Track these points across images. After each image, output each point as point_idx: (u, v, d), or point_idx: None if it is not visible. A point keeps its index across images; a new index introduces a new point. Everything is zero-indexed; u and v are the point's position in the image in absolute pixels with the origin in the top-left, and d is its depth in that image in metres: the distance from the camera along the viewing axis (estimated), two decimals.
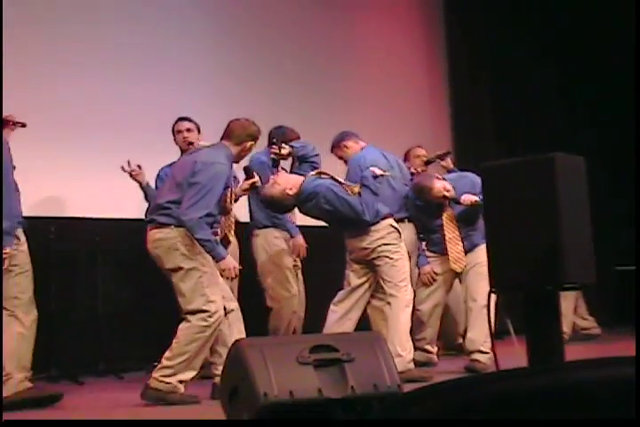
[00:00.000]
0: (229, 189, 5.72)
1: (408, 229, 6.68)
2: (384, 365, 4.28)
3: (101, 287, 7.27)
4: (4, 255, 5.24)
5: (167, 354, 5.29)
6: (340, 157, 6.83)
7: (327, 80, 9.28)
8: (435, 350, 7.09)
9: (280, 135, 6.48)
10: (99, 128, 7.46)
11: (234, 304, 5.63)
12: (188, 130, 6.52)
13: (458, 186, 6.68)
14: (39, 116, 7.00)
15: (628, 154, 10.88)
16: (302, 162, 6.32)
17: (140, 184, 6.72)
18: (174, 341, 5.31)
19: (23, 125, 5.92)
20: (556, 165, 4.23)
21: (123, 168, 6.54)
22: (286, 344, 4.35)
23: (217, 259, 5.33)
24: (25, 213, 6.17)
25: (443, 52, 10.64)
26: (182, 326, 5.32)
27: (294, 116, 8.47)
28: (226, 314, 5.48)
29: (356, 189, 6.07)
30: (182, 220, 5.27)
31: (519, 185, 4.33)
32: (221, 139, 5.68)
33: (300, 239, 7.11)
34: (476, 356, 6.54)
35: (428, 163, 7.45)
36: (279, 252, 7.03)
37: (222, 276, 5.40)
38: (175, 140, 6.70)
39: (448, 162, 7.35)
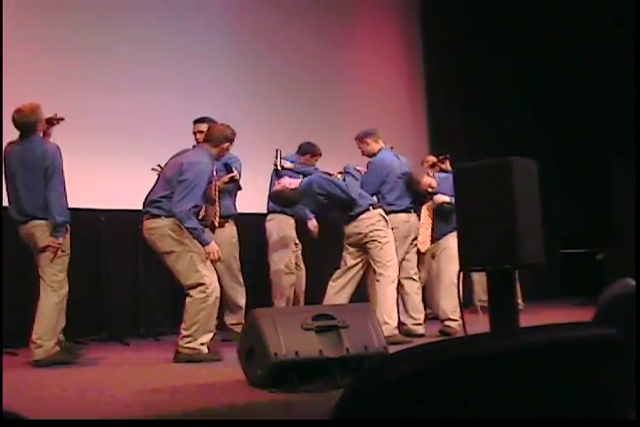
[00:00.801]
0: (213, 183, 5.68)
1: (414, 218, 6.64)
2: (373, 330, 4.28)
3: (142, 266, 7.25)
4: (59, 244, 5.28)
5: (183, 325, 5.27)
6: (360, 148, 6.75)
7: (326, 98, 9.25)
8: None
9: (279, 152, 6.56)
10: (140, 135, 7.44)
11: None
12: (201, 132, 6.26)
13: (442, 185, 6.66)
14: (93, 124, 7.02)
15: (572, 156, 10.91)
16: (305, 176, 6.41)
17: None
18: (185, 314, 5.29)
19: (62, 119, 5.74)
20: (513, 167, 4.24)
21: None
22: (293, 313, 4.36)
23: (203, 244, 5.24)
24: (81, 206, 6.21)
25: (421, 74, 10.59)
26: (187, 300, 5.29)
27: (297, 128, 8.46)
28: None
29: (340, 176, 6.18)
30: (173, 212, 5.23)
31: (484, 183, 4.33)
32: (203, 141, 5.66)
33: (314, 221, 7.15)
34: (448, 322, 6.54)
35: (432, 166, 7.44)
36: (288, 236, 7.03)
37: (207, 258, 5.30)
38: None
39: (447, 164, 7.34)
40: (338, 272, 6.33)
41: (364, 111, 9.54)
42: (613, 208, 8.53)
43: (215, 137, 5.51)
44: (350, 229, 6.22)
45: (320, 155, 7.10)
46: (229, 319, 6.62)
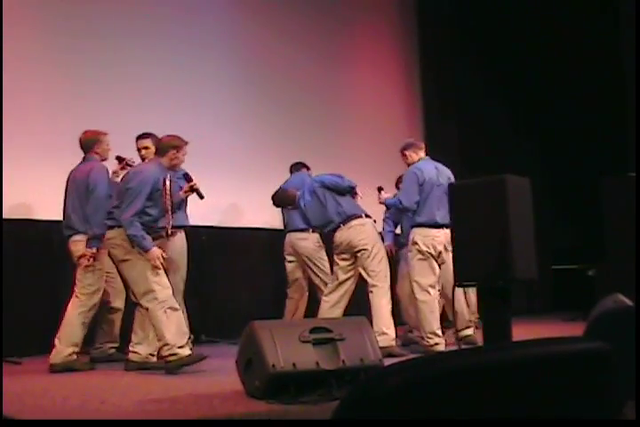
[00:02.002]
0: (163, 192, 5.51)
1: (442, 234, 6.06)
2: (369, 343, 4.27)
3: None
4: (91, 254, 5.49)
5: (157, 338, 5.23)
6: (404, 160, 6.47)
7: (323, 115, 9.25)
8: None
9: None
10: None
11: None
12: (145, 148, 6.24)
13: None
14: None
15: (565, 174, 10.93)
16: None
17: None
18: (152, 326, 5.26)
19: (130, 164, 6.11)
20: (508, 184, 4.24)
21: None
22: (290, 326, 4.35)
23: (144, 251, 5.17)
24: None
25: (418, 94, 10.63)
26: (146, 313, 5.24)
27: (293, 144, 8.49)
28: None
29: None
30: (120, 220, 5.25)
31: (479, 200, 4.33)
32: (154, 153, 5.63)
33: None
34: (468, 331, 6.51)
35: None
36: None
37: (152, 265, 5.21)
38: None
39: None
40: (330, 287, 6.26)
41: (361, 128, 9.57)
42: (605, 225, 8.53)
43: (162, 147, 5.48)
44: (342, 236, 6.15)
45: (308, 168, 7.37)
46: None
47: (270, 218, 7.93)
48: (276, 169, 7.59)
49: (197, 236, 7.29)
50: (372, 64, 10.06)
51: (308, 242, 7.08)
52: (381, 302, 6.03)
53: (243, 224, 8.09)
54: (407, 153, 6.41)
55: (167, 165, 5.47)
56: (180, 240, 6.40)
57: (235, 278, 7.90)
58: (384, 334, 5.77)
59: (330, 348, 4.13)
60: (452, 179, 6.25)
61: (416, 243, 6.05)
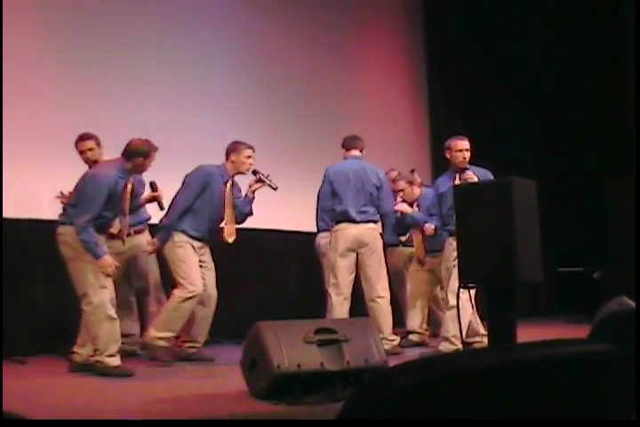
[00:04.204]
0: (123, 195, 5.29)
1: None
2: (373, 344, 4.28)
3: None
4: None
5: (91, 340, 5.15)
6: (464, 157, 6.70)
7: (330, 115, 9.22)
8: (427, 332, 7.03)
9: None
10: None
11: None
12: (90, 149, 5.91)
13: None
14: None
15: (570, 177, 10.92)
16: None
17: None
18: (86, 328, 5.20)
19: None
20: (514, 187, 4.24)
21: (58, 197, 5.95)
22: (295, 327, 4.35)
23: (95, 258, 5.03)
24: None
25: (424, 93, 10.62)
26: (83, 315, 5.15)
27: (303, 143, 8.48)
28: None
29: None
30: (73, 222, 5.10)
31: (484, 202, 4.32)
32: (121, 154, 5.33)
33: None
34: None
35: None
36: None
37: (102, 272, 5.06)
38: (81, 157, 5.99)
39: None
40: (334, 290, 6.28)
41: (365, 126, 9.53)
42: (610, 228, 8.54)
43: (129, 151, 5.24)
44: (354, 232, 6.21)
45: None
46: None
47: (279, 219, 7.91)
48: (280, 166, 7.55)
49: None
50: (377, 62, 10.04)
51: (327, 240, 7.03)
52: (389, 309, 6.16)
53: (250, 225, 8.08)
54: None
55: (130, 170, 5.26)
56: (145, 238, 6.14)
57: (241, 279, 7.88)
58: (390, 340, 5.91)
59: (334, 349, 4.13)
60: None
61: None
